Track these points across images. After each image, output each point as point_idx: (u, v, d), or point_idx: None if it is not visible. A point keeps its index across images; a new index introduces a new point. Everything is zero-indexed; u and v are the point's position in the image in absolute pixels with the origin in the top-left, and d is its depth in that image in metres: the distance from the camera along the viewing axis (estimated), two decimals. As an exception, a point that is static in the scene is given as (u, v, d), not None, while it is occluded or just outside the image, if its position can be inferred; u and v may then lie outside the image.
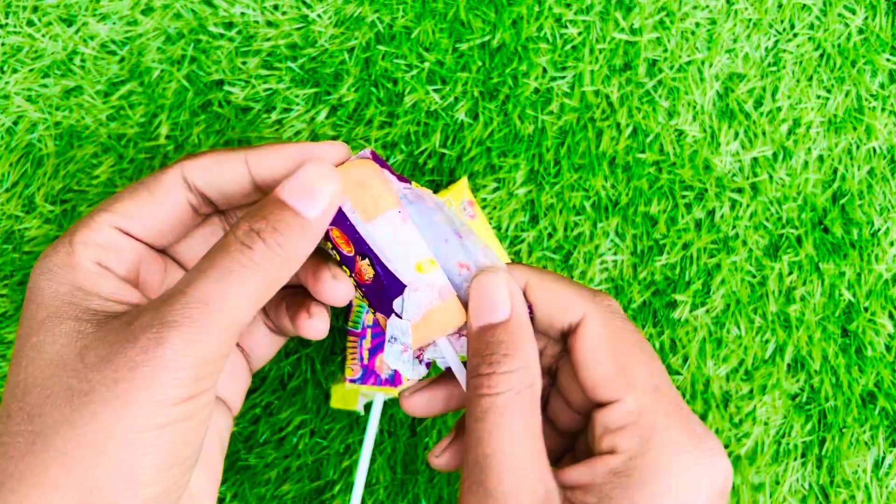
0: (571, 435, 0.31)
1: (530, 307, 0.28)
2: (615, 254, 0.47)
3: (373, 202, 0.28)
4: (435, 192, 0.47)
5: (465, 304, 0.29)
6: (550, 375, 0.31)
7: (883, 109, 0.48)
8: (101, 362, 0.24)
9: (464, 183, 0.45)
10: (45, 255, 0.27)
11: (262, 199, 0.28)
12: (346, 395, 0.44)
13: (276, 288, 0.26)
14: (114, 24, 0.47)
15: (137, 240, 0.29)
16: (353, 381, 0.42)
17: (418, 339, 0.29)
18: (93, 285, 0.26)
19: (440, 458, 0.31)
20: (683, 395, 0.46)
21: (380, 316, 0.29)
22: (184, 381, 0.23)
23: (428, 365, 0.30)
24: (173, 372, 0.23)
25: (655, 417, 0.25)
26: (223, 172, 0.29)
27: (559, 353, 0.31)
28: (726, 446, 0.46)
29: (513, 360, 0.26)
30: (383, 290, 0.28)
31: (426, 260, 0.28)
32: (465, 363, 0.29)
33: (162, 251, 0.31)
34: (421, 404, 0.31)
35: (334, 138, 0.47)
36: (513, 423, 0.25)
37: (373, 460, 0.45)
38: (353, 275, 0.29)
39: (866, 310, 0.47)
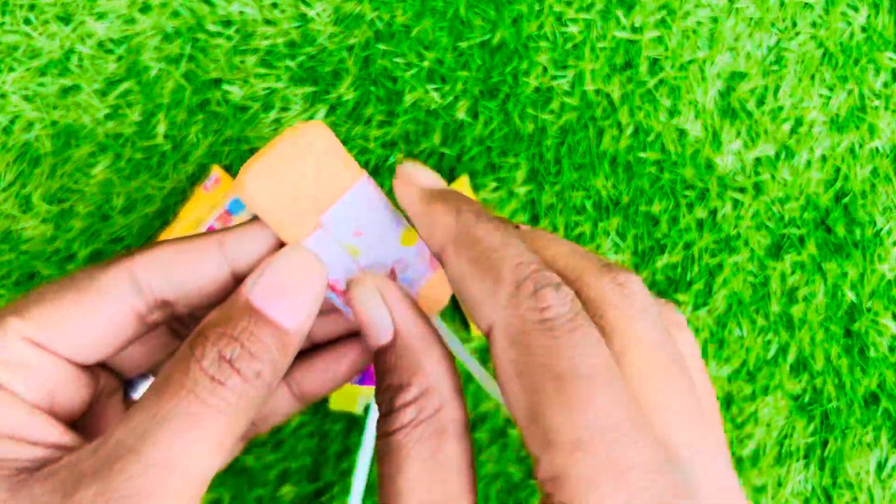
0: None
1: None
2: (616, 253, 0.47)
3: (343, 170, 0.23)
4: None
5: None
6: None
7: (886, 108, 0.48)
8: None
9: (464, 182, 0.45)
10: None
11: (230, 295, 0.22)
12: (345, 397, 0.44)
13: (251, 419, 0.20)
14: (111, 22, 0.47)
15: (56, 355, 0.21)
16: (352, 382, 0.42)
17: None
18: None
19: None
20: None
21: None
22: None
23: None
24: None
25: (577, 489, 0.17)
26: (189, 266, 0.22)
27: None
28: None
29: (407, 391, 0.20)
30: None
31: (409, 229, 0.23)
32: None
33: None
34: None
35: (333, 137, 0.47)
36: (413, 464, 0.19)
37: (372, 461, 0.45)
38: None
39: (869, 310, 0.46)
